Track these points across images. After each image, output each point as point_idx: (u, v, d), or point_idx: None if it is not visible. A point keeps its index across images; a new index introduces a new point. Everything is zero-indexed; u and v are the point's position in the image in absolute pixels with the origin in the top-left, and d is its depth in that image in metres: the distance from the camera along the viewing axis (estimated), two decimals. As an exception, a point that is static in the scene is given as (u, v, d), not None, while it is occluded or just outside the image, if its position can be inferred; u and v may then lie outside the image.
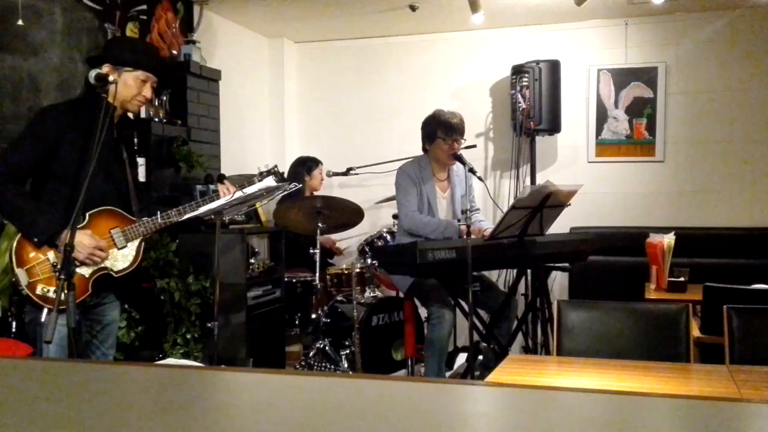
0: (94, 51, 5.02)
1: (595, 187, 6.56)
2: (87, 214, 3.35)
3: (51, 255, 3.28)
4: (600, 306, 3.49)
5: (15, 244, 3.28)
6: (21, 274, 3.25)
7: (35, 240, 3.24)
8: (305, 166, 6.44)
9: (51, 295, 3.23)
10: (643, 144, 6.67)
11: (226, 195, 3.75)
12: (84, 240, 3.28)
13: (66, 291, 2.83)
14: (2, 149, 3.61)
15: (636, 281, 5.28)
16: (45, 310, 3.16)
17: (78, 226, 3.26)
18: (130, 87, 3.46)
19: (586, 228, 6.36)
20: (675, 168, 6.62)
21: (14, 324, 4.11)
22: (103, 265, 3.41)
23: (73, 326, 2.82)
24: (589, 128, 6.81)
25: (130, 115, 3.84)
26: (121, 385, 1.32)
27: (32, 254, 3.28)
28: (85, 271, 3.35)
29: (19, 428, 1.02)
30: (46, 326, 2.87)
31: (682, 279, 4.68)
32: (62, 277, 2.74)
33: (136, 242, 3.50)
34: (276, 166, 4.15)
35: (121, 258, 3.47)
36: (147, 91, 3.52)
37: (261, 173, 4.02)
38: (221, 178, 4.64)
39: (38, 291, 3.26)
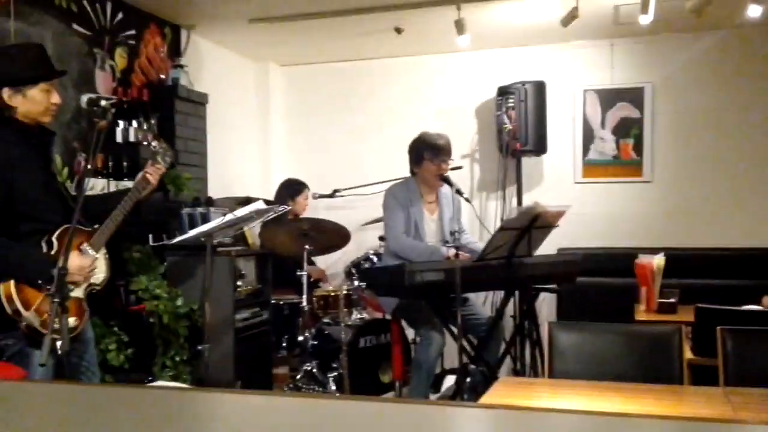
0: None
1: (582, 208, 6.54)
2: (53, 240, 3.23)
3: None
4: (592, 328, 3.47)
5: (12, 290, 3.11)
6: (32, 316, 3.10)
7: (40, 282, 3.11)
8: (291, 189, 6.39)
9: None
10: (631, 164, 6.69)
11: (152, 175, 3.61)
12: (75, 261, 3.23)
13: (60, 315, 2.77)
14: None
15: (625, 302, 5.26)
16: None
17: (52, 252, 3.21)
18: (39, 102, 3.27)
19: (574, 249, 6.33)
20: (663, 188, 6.63)
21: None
22: (89, 282, 3.38)
23: (67, 349, 2.78)
24: (576, 149, 6.83)
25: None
26: (112, 407, 1.29)
27: (30, 293, 3.14)
28: (79, 293, 3.32)
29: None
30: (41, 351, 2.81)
31: (672, 300, 4.67)
32: (56, 300, 2.69)
33: (102, 250, 3.47)
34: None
35: (97, 270, 3.44)
36: (55, 98, 3.33)
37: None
38: (210, 202, 4.63)
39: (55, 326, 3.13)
